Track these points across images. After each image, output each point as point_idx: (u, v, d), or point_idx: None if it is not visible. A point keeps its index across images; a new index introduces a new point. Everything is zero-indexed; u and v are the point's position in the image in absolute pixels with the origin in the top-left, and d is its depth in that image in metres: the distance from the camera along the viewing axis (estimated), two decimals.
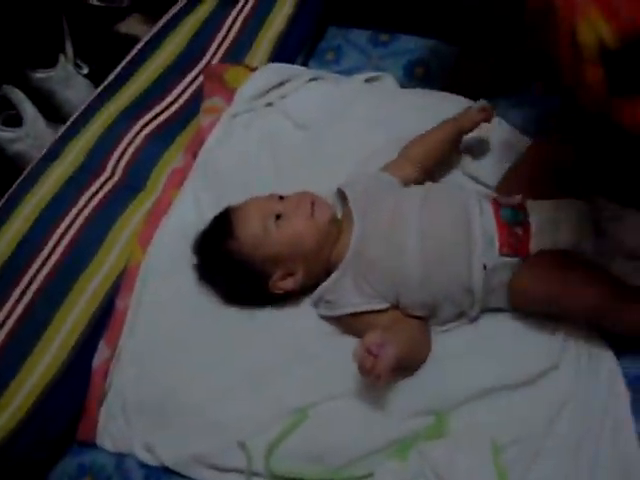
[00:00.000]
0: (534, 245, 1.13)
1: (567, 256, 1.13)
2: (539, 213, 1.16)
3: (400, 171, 1.29)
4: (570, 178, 1.21)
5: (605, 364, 1.10)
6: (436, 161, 1.33)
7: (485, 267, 1.12)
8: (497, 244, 1.13)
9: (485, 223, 1.15)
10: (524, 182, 1.22)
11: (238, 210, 1.25)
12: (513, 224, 1.15)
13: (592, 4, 0.80)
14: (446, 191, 1.24)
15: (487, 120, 1.30)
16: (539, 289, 1.09)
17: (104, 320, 1.29)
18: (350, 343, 1.16)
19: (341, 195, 1.28)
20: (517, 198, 1.18)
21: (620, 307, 1.06)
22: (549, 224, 1.14)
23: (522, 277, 1.11)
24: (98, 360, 1.26)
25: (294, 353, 1.19)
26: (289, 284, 1.22)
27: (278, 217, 1.20)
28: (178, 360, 1.23)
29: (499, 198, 1.20)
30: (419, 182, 1.28)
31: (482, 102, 1.31)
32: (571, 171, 1.21)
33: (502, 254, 1.13)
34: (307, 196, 1.24)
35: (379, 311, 1.17)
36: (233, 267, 1.22)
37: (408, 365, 1.12)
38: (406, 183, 1.28)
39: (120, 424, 1.21)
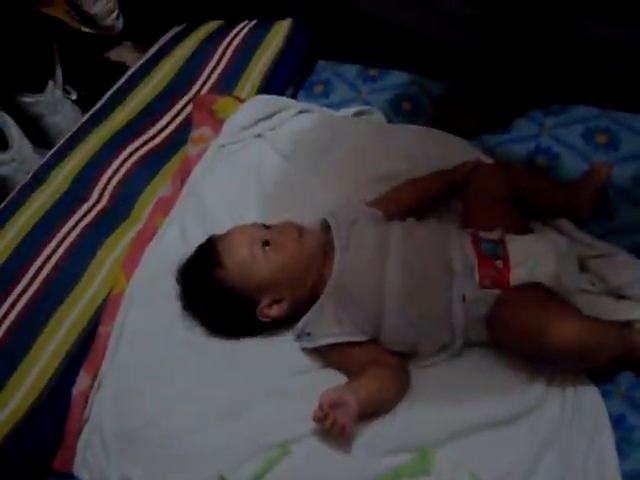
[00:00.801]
0: (514, 278, 1.14)
1: (546, 291, 1.13)
2: (518, 247, 1.16)
3: (385, 208, 1.30)
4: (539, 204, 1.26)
5: (590, 402, 1.10)
6: (423, 207, 1.34)
7: (464, 299, 1.13)
8: (477, 276, 1.14)
9: (465, 256, 1.15)
10: (503, 216, 1.24)
11: (224, 238, 1.25)
12: (493, 257, 1.16)
13: None
14: (428, 226, 1.25)
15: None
16: (520, 322, 1.09)
17: (85, 348, 1.28)
18: (331, 378, 1.18)
19: (325, 225, 1.28)
20: (497, 232, 1.19)
21: (600, 341, 1.07)
22: (528, 258, 1.15)
23: (503, 310, 1.11)
24: (78, 388, 1.24)
25: (274, 387, 1.18)
26: (276, 311, 1.21)
27: (265, 244, 1.21)
28: (157, 391, 1.21)
29: (478, 232, 1.20)
30: (402, 219, 1.29)
31: (477, 159, 1.32)
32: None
33: (483, 286, 1.13)
34: (293, 225, 1.25)
35: (358, 344, 1.17)
36: (220, 295, 1.21)
37: (377, 410, 1.12)
38: (390, 218, 1.29)
39: (98, 454, 1.19)
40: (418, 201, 1.33)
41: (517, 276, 1.14)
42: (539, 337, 1.06)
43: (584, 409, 1.09)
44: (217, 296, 1.22)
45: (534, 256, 1.15)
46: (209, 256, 1.23)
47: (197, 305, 1.27)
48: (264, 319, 1.22)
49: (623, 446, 1.06)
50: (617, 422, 1.09)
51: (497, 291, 1.13)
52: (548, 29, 1.39)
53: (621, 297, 1.19)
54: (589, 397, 1.10)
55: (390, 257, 1.16)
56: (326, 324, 1.18)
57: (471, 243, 1.17)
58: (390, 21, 1.65)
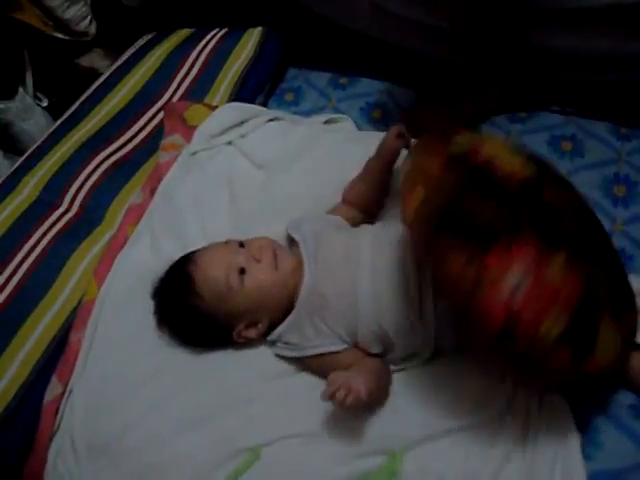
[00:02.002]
0: None
1: None
2: None
3: (345, 214, 1.31)
4: None
5: (556, 408, 1.11)
6: (374, 199, 1.33)
7: (436, 306, 1.13)
8: None
9: None
10: None
11: (199, 263, 1.22)
12: None
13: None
14: (397, 230, 1.23)
15: (406, 145, 1.30)
16: None
17: (57, 355, 1.27)
18: (301, 383, 1.19)
19: (290, 238, 1.28)
20: None
21: None
22: None
23: None
24: (49, 396, 1.24)
25: (245, 393, 1.19)
26: (253, 333, 1.21)
27: (242, 271, 1.19)
28: (127, 399, 1.21)
29: None
30: (368, 222, 1.31)
31: (396, 127, 1.31)
32: None
33: None
34: (268, 245, 1.22)
35: (339, 352, 1.17)
36: (196, 319, 1.21)
37: (377, 397, 1.12)
38: (354, 224, 1.30)
39: (69, 463, 1.18)
40: (367, 195, 1.32)
41: None
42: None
43: (550, 416, 1.10)
44: (193, 320, 1.21)
45: None
46: (184, 283, 1.21)
47: (173, 324, 1.26)
48: (240, 341, 1.22)
49: (589, 448, 1.08)
50: (583, 424, 1.10)
51: None
52: (507, 39, 1.41)
53: None
54: (555, 403, 1.11)
55: (361, 264, 1.17)
56: (305, 334, 1.18)
57: None
58: (360, 29, 1.66)
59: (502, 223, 0.95)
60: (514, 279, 0.90)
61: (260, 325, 1.20)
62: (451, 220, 0.95)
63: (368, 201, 1.33)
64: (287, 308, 1.20)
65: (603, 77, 1.44)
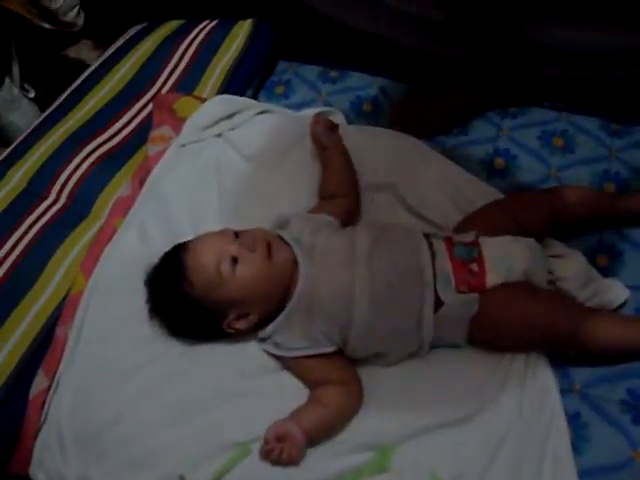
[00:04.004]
0: (490, 280, 1.15)
1: (527, 287, 1.16)
2: (493, 249, 1.18)
3: (328, 209, 1.31)
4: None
5: (547, 400, 1.12)
6: (343, 183, 1.34)
7: (442, 306, 1.14)
8: (453, 282, 1.15)
9: (440, 263, 1.16)
10: (477, 218, 1.26)
11: (192, 250, 1.21)
12: (468, 261, 1.17)
13: None
14: (396, 234, 1.23)
15: (330, 129, 1.37)
16: (514, 320, 1.12)
17: (43, 348, 1.26)
18: (291, 378, 1.19)
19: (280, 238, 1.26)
20: (470, 235, 1.20)
21: (588, 323, 1.10)
22: (503, 259, 1.16)
23: (492, 311, 1.13)
24: (35, 390, 1.23)
25: (234, 387, 1.18)
26: (243, 324, 1.19)
27: (234, 260, 1.17)
28: (115, 392, 1.21)
29: (452, 236, 1.22)
30: (353, 213, 1.32)
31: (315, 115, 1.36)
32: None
33: (459, 292, 1.14)
34: (263, 236, 1.21)
35: (320, 355, 1.16)
36: (187, 307, 1.19)
37: (326, 434, 1.12)
38: (343, 219, 1.29)
39: (55, 456, 1.17)
40: (331, 182, 1.35)
41: (493, 278, 1.15)
42: (529, 332, 1.13)
43: (541, 408, 1.11)
44: (183, 308, 1.20)
45: (509, 257, 1.17)
46: (177, 269, 1.20)
47: (165, 311, 1.25)
48: (230, 331, 1.21)
49: (578, 443, 1.09)
50: (572, 419, 1.11)
51: (474, 294, 1.14)
52: (501, 32, 1.40)
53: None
54: (545, 396, 1.12)
55: (358, 266, 1.16)
56: (293, 335, 1.17)
57: (445, 248, 1.18)
58: (350, 24, 1.66)
59: None
60: None
61: (250, 317, 1.19)
62: None
63: (336, 186, 1.34)
64: (279, 303, 1.19)
65: (605, 72, 1.44)
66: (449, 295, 1.14)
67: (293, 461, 1.08)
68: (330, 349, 1.16)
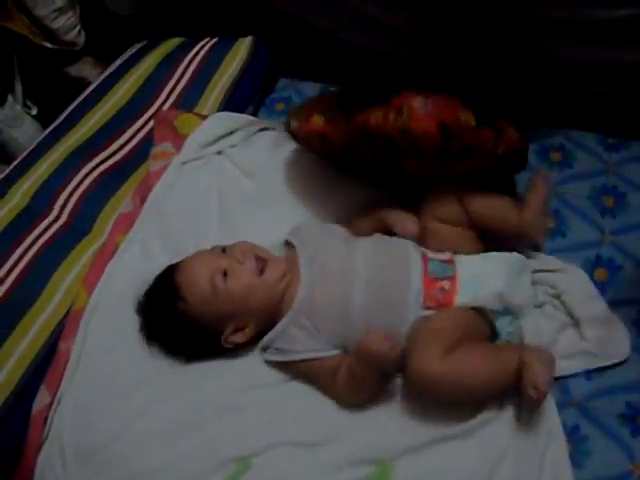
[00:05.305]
0: (458, 300, 1.16)
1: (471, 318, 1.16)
2: (467, 268, 1.19)
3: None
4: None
5: (545, 414, 1.11)
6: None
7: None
8: (422, 298, 1.16)
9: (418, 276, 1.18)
10: (455, 236, 1.25)
11: (184, 270, 1.24)
12: (440, 278, 1.18)
13: None
14: (391, 244, 1.25)
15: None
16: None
17: (46, 364, 1.27)
18: (291, 392, 1.19)
19: (289, 243, 1.29)
20: (447, 253, 1.21)
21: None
22: (475, 279, 1.17)
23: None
24: (38, 405, 1.23)
25: (233, 402, 1.19)
26: (241, 338, 1.21)
27: (225, 274, 1.20)
28: (116, 407, 1.21)
29: (428, 253, 1.22)
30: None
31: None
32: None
33: (427, 307, 1.16)
34: (250, 248, 1.24)
35: (328, 357, 1.18)
36: (184, 327, 1.21)
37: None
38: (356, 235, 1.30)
39: (57, 471, 1.17)
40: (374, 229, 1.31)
41: (462, 298, 1.16)
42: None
43: (539, 422, 1.11)
44: (181, 328, 1.21)
45: (482, 276, 1.17)
46: (170, 290, 1.22)
47: (160, 336, 1.26)
48: (229, 346, 1.22)
49: (577, 456, 1.09)
50: (571, 433, 1.11)
51: (434, 312, 1.16)
52: (493, 47, 1.41)
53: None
54: (544, 410, 1.12)
55: (356, 275, 1.18)
56: (296, 340, 1.18)
57: (421, 263, 1.19)
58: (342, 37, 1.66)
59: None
60: (419, 101, 1.12)
61: (247, 329, 1.21)
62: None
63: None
64: (276, 313, 1.21)
65: (599, 88, 1.44)
66: (416, 310, 1.15)
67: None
68: (332, 353, 1.18)
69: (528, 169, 1.33)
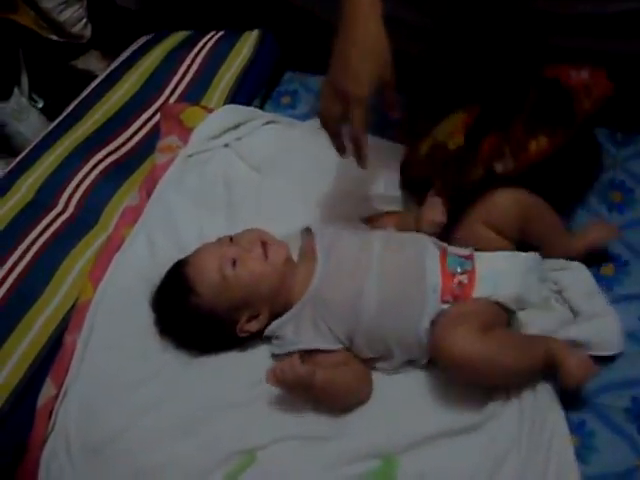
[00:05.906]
0: (476, 294, 1.16)
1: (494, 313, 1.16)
2: (486, 264, 1.19)
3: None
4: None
5: (549, 410, 1.11)
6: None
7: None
8: (439, 292, 1.16)
9: (435, 270, 1.17)
10: (491, 241, 1.24)
11: (193, 262, 1.24)
12: (459, 273, 1.18)
13: None
14: (407, 238, 1.25)
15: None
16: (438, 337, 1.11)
17: (52, 357, 1.27)
18: None
19: (308, 232, 1.29)
20: (468, 250, 1.21)
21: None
22: (494, 275, 1.17)
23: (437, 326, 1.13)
24: (43, 398, 1.23)
25: (239, 396, 1.19)
26: (255, 326, 1.22)
27: (234, 262, 1.20)
28: (122, 402, 1.21)
29: (448, 247, 1.22)
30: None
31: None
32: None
33: (443, 301, 1.16)
34: (257, 236, 1.25)
35: (329, 351, 1.18)
36: (199, 321, 1.21)
37: (332, 398, 1.14)
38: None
39: (63, 466, 1.17)
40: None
41: (479, 293, 1.16)
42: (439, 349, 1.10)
43: (544, 418, 1.10)
44: (196, 322, 1.22)
45: (501, 274, 1.17)
46: (181, 284, 1.23)
47: (175, 331, 1.26)
48: (244, 335, 1.23)
49: (583, 452, 1.09)
50: (577, 428, 1.11)
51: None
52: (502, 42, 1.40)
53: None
54: (548, 406, 1.12)
55: (370, 269, 1.18)
56: (302, 330, 1.19)
57: (439, 257, 1.19)
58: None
59: None
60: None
61: (261, 317, 1.22)
62: None
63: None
64: (287, 302, 1.22)
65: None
66: (433, 304, 1.15)
67: (285, 377, 1.09)
68: (335, 347, 1.18)
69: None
